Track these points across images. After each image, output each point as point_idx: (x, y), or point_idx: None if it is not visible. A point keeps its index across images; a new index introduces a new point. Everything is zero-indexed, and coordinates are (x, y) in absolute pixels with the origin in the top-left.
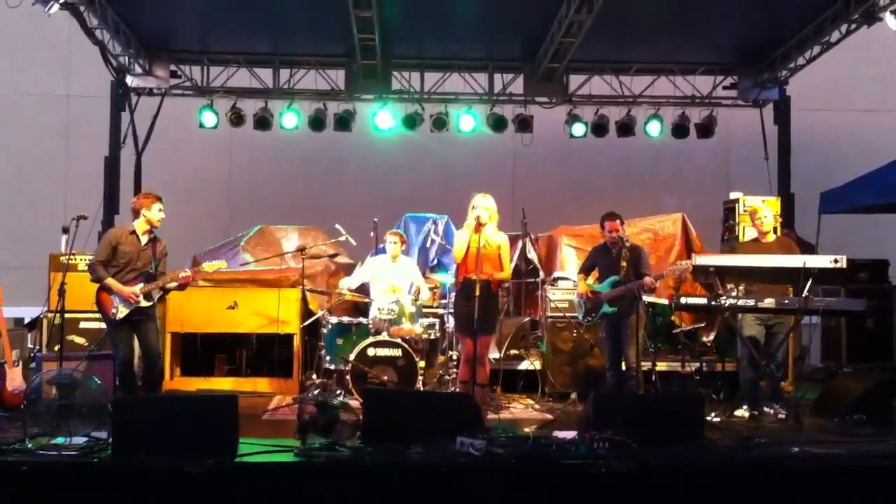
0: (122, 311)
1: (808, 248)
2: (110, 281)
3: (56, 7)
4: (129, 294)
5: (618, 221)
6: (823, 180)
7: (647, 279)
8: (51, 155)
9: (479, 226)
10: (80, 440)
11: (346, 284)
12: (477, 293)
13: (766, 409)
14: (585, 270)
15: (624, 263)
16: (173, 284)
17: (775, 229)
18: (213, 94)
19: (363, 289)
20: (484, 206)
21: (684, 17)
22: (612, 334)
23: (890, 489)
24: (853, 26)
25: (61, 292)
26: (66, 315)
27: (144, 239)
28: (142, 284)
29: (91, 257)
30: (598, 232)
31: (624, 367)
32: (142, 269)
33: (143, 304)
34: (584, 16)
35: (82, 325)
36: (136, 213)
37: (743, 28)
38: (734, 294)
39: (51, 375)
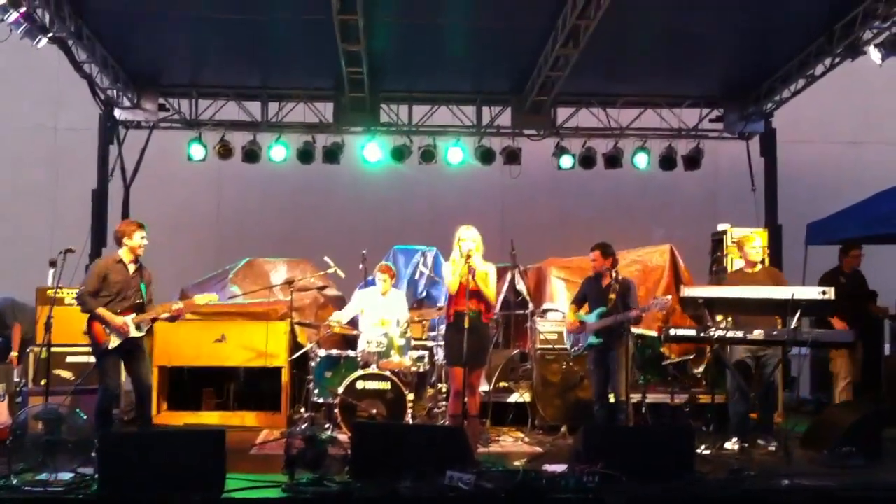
0: (114, 341)
1: None
2: (101, 311)
3: (44, 41)
4: (121, 325)
5: (598, 252)
6: (810, 211)
7: (633, 312)
8: (38, 187)
9: (466, 258)
10: (65, 476)
11: (338, 318)
12: (466, 325)
13: (759, 441)
14: (577, 302)
15: (612, 296)
16: (165, 315)
17: (763, 261)
18: (201, 126)
19: (352, 321)
20: (471, 237)
21: (670, 51)
22: (599, 366)
23: None
24: (837, 60)
25: (48, 326)
26: (53, 349)
27: (132, 267)
28: (134, 315)
29: (79, 288)
30: (587, 263)
31: (613, 400)
32: (133, 298)
33: (135, 334)
34: (570, 50)
35: (69, 359)
36: (118, 242)
37: (729, 62)
38: (723, 325)
39: (37, 410)
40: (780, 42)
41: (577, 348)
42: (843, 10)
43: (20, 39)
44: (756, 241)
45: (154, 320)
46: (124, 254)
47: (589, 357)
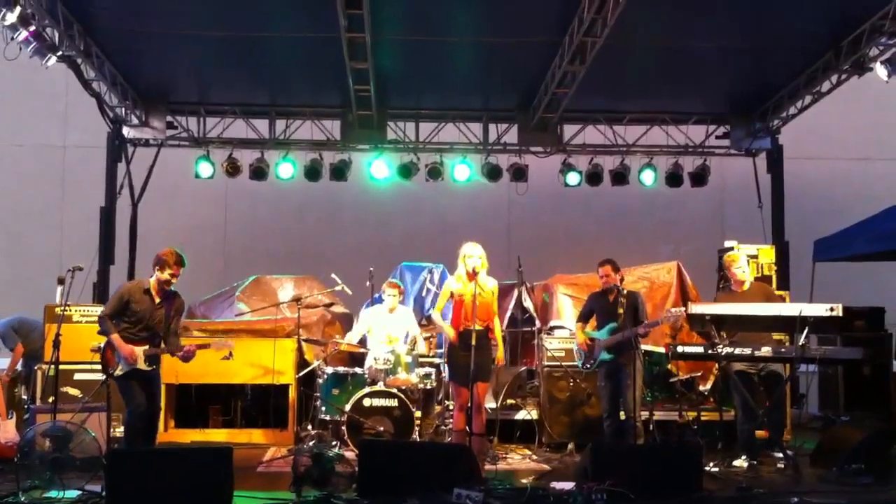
0: (121, 369)
1: None
2: (114, 337)
3: (54, 59)
4: (128, 353)
5: (609, 267)
6: (817, 228)
7: (641, 330)
8: (47, 205)
9: (473, 275)
10: (73, 493)
11: (347, 341)
12: (474, 342)
13: (772, 453)
14: (584, 318)
15: (621, 310)
16: (179, 354)
17: (768, 278)
18: (209, 144)
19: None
20: (478, 254)
21: (677, 68)
22: (610, 382)
23: None
24: (843, 76)
25: (56, 343)
26: (61, 366)
27: (159, 298)
28: (147, 347)
29: (101, 308)
30: (594, 280)
31: (623, 417)
32: (155, 327)
33: (143, 367)
34: (577, 67)
35: (77, 376)
36: (153, 267)
37: (735, 79)
38: (727, 342)
39: (44, 427)
40: (787, 59)
41: (589, 365)
42: (849, 26)
43: (30, 58)
44: (741, 259)
45: (172, 355)
46: (153, 282)
47: (600, 373)
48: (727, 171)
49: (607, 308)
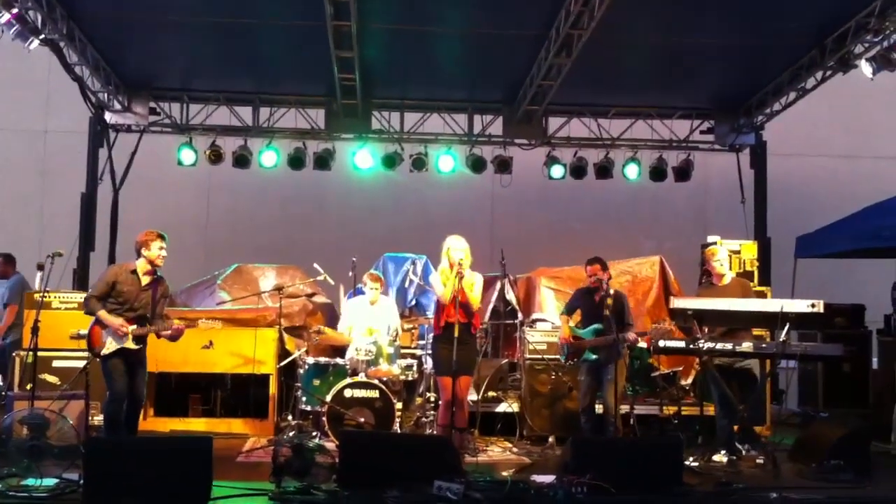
0: (108, 347)
1: None
2: (101, 313)
3: (36, 43)
4: (119, 325)
5: (598, 266)
6: (800, 225)
7: (631, 336)
8: (28, 191)
9: (460, 268)
10: (51, 482)
11: (341, 333)
12: (456, 335)
13: (744, 447)
14: (569, 311)
15: (607, 312)
16: (166, 333)
17: (750, 273)
18: (192, 131)
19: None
20: (462, 248)
21: (663, 63)
22: (590, 377)
23: None
24: (828, 73)
25: (34, 330)
26: (39, 353)
27: (146, 280)
28: (135, 326)
29: (81, 295)
30: (577, 274)
31: (600, 411)
32: (140, 310)
33: (132, 346)
34: (563, 59)
35: (55, 363)
36: (137, 252)
37: (720, 74)
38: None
39: (22, 415)
40: (772, 55)
41: (572, 362)
42: (834, 23)
43: (12, 41)
44: (720, 253)
45: (158, 336)
46: (140, 265)
47: (582, 368)
48: (711, 166)
49: (593, 309)
